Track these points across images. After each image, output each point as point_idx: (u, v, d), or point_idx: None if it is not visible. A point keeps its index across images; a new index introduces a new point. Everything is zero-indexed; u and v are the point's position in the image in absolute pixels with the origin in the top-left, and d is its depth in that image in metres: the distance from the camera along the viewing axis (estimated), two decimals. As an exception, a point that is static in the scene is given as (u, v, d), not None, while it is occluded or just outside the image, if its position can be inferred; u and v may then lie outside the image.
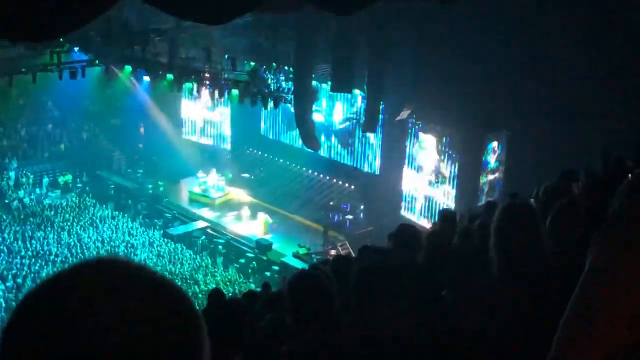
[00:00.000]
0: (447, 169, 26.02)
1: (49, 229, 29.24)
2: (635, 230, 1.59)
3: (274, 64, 27.00)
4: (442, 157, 26.17)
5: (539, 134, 20.57)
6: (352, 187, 30.96)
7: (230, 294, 21.04)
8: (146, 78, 32.39)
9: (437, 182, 26.38)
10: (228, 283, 25.50)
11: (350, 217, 30.26)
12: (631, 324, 1.52)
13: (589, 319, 1.58)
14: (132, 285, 1.01)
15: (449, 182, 25.96)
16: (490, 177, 25.55)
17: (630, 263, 1.55)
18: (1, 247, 26.99)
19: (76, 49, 28.51)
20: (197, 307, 1.08)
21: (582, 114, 19.26)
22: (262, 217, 30.07)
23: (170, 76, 28.47)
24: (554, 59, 19.84)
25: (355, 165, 31.28)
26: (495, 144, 25.17)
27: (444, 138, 25.91)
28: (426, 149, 26.54)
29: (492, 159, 25.40)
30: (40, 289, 1.01)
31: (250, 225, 30.30)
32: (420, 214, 27.06)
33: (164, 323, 0.99)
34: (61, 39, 25.04)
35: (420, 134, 26.54)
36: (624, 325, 1.53)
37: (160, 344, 0.97)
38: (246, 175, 34.76)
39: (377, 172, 29.79)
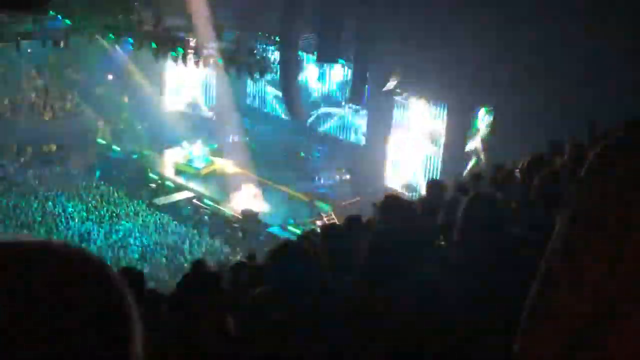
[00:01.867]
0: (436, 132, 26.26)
1: (32, 198, 29.07)
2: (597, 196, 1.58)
3: (259, 33, 26.81)
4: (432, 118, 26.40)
5: (524, 104, 20.60)
6: (337, 158, 30.95)
7: (214, 264, 21.08)
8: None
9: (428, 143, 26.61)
10: (214, 253, 25.51)
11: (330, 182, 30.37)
12: (596, 299, 1.52)
13: (549, 296, 1.58)
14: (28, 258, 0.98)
15: (436, 145, 26.19)
16: (477, 144, 25.73)
17: (594, 230, 1.55)
18: (-16, 216, 26.92)
19: (59, 16, 28.12)
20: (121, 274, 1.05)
21: (568, 84, 19.28)
22: (248, 187, 30.01)
23: (153, 44, 28.21)
24: (542, 28, 19.79)
25: (341, 137, 31.29)
26: (483, 110, 25.31)
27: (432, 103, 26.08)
28: (415, 112, 26.71)
29: (481, 125, 25.57)
30: None
31: (236, 196, 30.26)
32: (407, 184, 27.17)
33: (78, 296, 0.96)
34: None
35: (410, 99, 26.58)
36: (589, 300, 1.52)
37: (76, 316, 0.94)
38: (235, 138, 34.37)
39: (363, 143, 29.80)
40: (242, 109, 35.20)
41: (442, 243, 4.20)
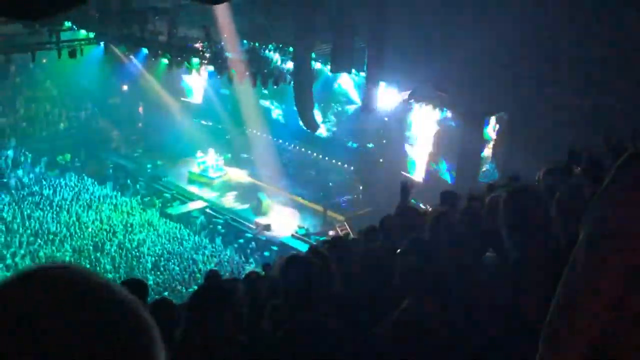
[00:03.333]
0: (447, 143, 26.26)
1: (47, 208, 29.22)
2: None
3: (272, 43, 26.86)
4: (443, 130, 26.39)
5: (538, 115, 20.51)
6: (352, 167, 30.92)
7: (228, 275, 21.12)
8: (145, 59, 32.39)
9: (437, 158, 26.58)
10: (227, 263, 25.53)
11: (347, 197, 30.30)
12: (616, 306, 1.50)
13: (572, 305, 1.56)
14: (76, 296, 0.97)
15: (448, 157, 26.19)
16: (488, 152, 25.74)
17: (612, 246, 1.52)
18: (0, 226, 27.03)
19: (75, 27, 28.32)
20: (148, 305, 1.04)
21: (583, 95, 19.19)
22: (261, 197, 30.02)
23: (167, 56, 28.43)
24: (555, 38, 19.70)
25: (354, 145, 31.33)
26: (493, 118, 25.29)
27: (444, 112, 26.09)
28: (427, 123, 26.75)
29: (491, 133, 25.59)
30: None
31: (249, 205, 30.28)
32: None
33: (111, 333, 0.95)
34: (60, 17, 24.91)
35: (422, 108, 26.60)
36: (607, 308, 1.51)
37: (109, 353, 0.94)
38: (245, 155, 34.69)
39: (376, 152, 29.85)
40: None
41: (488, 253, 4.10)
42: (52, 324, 0.92)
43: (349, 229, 25.79)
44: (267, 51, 27.00)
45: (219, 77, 29.31)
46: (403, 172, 26.75)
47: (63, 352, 0.90)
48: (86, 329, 0.93)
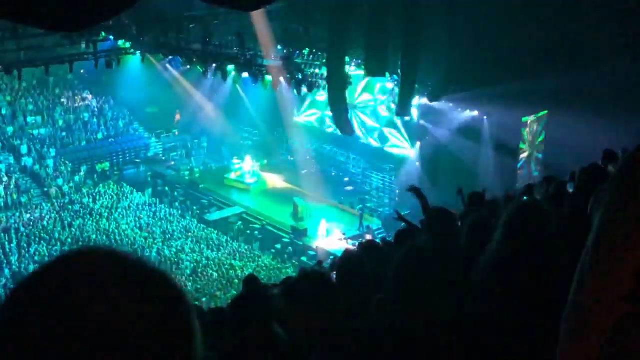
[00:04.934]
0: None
1: (87, 216, 29.62)
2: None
3: (307, 49, 26.92)
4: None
5: (577, 116, 20.28)
6: (388, 169, 30.85)
7: (266, 280, 21.17)
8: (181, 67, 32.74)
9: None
10: (264, 268, 25.61)
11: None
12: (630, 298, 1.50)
13: (587, 303, 1.56)
14: (123, 276, 1.00)
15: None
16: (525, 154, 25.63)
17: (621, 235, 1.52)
18: (42, 234, 27.44)
19: (111, 37, 28.67)
20: (188, 297, 1.07)
21: (621, 97, 18.94)
22: (298, 202, 30.05)
23: (202, 63, 28.72)
24: (595, 43, 19.48)
25: (390, 150, 31.26)
26: (530, 119, 25.15)
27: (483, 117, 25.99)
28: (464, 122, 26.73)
29: (528, 135, 25.41)
30: (30, 283, 1.00)
31: (286, 211, 30.35)
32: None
33: (152, 316, 0.98)
34: (97, 28, 25.23)
35: (459, 110, 26.57)
36: (622, 300, 1.50)
37: (150, 336, 0.96)
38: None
39: (412, 156, 29.75)
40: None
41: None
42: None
43: (385, 233, 25.73)
44: (301, 57, 27.07)
45: (254, 83, 29.43)
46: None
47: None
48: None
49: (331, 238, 27.44)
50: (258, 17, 25.67)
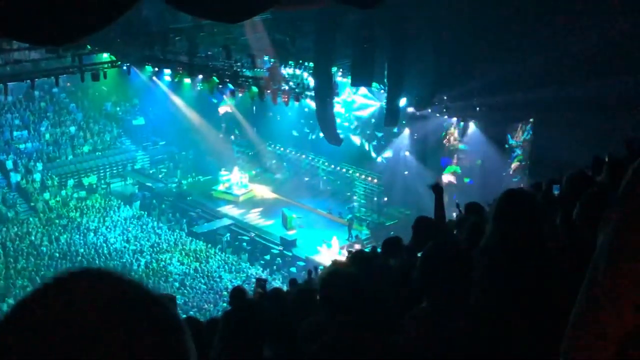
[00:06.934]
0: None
1: (75, 230, 29.47)
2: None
3: (292, 61, 26.96)
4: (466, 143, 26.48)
5: (563, 122, 20.39)
6: (375, 180, 30.87)
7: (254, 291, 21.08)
8: (167, 78, 32.64)
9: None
10: (253, 280, 25.51)
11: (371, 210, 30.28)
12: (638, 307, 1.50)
13: (596, 308, 1.56)
14: (115, 299, 1.00)
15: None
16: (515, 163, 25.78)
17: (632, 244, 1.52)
18: (29, 249, 27.26)
19: (96, 49, 28.58)
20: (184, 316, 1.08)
21: (606, 102, 19.05)
22: (286, 212, 30.02)
23: (188, 75, 28.70)
24: (580, 49, 19.60)
25: (377, 158, 31.36)
26: (519, 125, 25.36)
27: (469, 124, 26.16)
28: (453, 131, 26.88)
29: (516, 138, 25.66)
30: (30, 302, 1.00)
31: (274, 222, 30.32)
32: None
33: (144, 338, 0.98)
34: (82, 41, 25.16)
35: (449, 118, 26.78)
36: (631, 309, 1.51)
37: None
38: (278, 176, 34.70)
39: (397, 164, 29.87)
40: (277, 135, 35.43)
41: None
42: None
43: (374, 242, 25.74)
44: (288, 68, 27.12)
45: (240, 94, 29.41)
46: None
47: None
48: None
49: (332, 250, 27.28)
50: (243, 29, 25.68)
